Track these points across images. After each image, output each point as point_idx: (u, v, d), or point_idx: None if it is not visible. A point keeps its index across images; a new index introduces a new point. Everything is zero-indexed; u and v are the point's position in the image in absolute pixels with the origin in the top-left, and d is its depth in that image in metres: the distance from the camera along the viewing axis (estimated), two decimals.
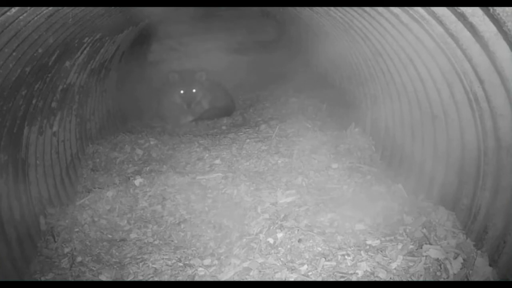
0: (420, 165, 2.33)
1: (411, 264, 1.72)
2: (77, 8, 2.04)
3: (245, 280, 1.80)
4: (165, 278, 1.95)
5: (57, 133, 2.75)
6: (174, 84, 4.57)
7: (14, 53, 1.82)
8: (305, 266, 1.79)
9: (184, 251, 2.18)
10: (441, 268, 1.68)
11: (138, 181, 2.72)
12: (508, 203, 1.60)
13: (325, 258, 1.81)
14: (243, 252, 1.99)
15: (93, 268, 2.07)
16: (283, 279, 1.75)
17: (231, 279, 1.84)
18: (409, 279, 1.67)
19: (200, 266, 2.00)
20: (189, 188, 2.65)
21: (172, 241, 2.31)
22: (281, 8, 3.71)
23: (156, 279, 1.95)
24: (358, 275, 1.70)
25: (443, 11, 1.50)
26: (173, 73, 4.63)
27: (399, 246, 1.81)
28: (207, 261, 2.04)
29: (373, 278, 1.67)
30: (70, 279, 2.01)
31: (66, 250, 2.23)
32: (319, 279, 1.72)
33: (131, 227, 2.43)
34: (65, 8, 1.93)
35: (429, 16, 1.61)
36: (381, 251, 1.81)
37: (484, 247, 1.68)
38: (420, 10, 1.63)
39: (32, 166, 2.44)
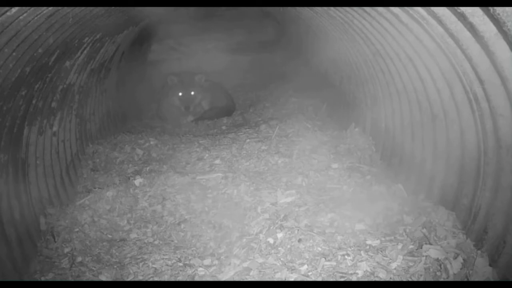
0: (420, 165, 2.33)
1: (411, 264, 1.72)
2: (77, 8, 2.04)
3: (245, 280, 1.80)
4: (165, 278, 1.95)
5: (57, 133, 2.75)
6: (173, 86, 4.58)
7: (14, 53, 1.82)
8: (305, 266, 1.79)
9: (184, 251, 2.18)
10: (441, 268, 1.68)
11: (138, 181, 2.72)
12: (508, 203, 1.60)
13: (325, 258, 1.81)
14: (243, 252, 1.99)
15: (93, 268, 2.07)
16: (283, 279, 1.75)
17: (231, 279, 1.84)
18: (409, 279, 1.67)
19: (200, 266, 2.00)
20: (189, 188, 2.65)
21: (172, 241, 2.31)
22: (281, 8, 3.72)
23: (156, 279, 1.95)
24: (358, 275, 1.70)
25: (443, 11, 1.50)
26: (172, 76, 4.63)
27: (399, 246, 1.81)
28: (207, 261, 2.04)
29: (373, 278, 1.67)
30: (70, 279, 2.01)
31: (66, 250, 2.23)
32: (319, 279, 1.72)
33: (131, 227, 2.43)
34: (65, 8, 1.93)
35: (429, 16, 1.61)
36: (381, 251, 1.81)
37: (484, 247, 1.68)
38: (420, 10, 1.63)
39: (32, 166, 2.44)
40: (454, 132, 1.98)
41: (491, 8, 1.21)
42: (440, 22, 1.56)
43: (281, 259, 1.87)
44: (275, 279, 1.76)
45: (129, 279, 1.98)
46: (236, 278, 1.83)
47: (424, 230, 1.90)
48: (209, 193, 2.62)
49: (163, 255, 2.12)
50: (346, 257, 1.80)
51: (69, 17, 2.05)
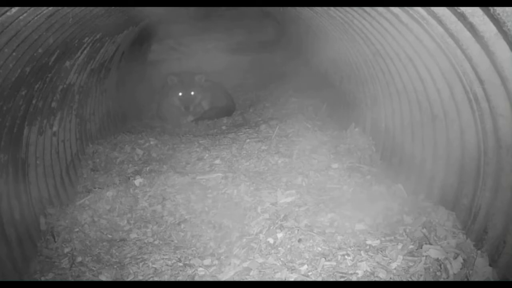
0: (420, 165, 2.33)
1: (411, 264, 1.73)
2: (77, 8, 2.04)
3: (245, 280, 1.80)
4: (165, 278, 1.95)
5: (57, 133, 2.75)
6: (173, 86, 4.59)
7: (14, 53, 1.82)
8: (305, 266, 1.79)
9: (184, 251, 2.18)
10: (441, 268, 1.68)
11: (138, 181, 2.72)
12: (508, 203, 1.60)
13: (325, 258, 1.81)
14: (243, 252, 1.99)
15: (93, 268, 2.07)
16: (283, 279, 1.75)
17: (231, 279, 1.84)
18: (409, 279, 1.66)
19: (200, 266, 2.00)
20: (189, 188, 2.65)
21: (172, 241, 2.31)
22: (281, 8, 3.72)
23: (156, 279, 1.95)
24: (358, 275, 1.70)
25: (443, 11, 1.50)
26: (172, 76, 4.64)
27: (399, 246, 1.81)
28: (207, 261, 2.04)
29: (373, 278, 1.67)
30: (70, 279, 2.01)
31: (66, 250, 2.23)
32: (319, 279, 1.72)
33: (131, 227, 2.43)
34: (65, 8, 1.93)
35: (429, 16, 1.61)
36: (381, 251, 1.81)
37: (484, 247, 1.68)
38: (420, 10, 1.63)
39: (32, 166, 2.44)
40: (454, 132, 1.98)
41: (491, 8, 1.21)
42: (440, 22, 1.56)
43: (281, 259, 1.87)
44: (275, 279, 1.76)
45: (129, 279, 1.98)
46: (236, 278, 1.83)
47: (424, 230, 1.90)
48: (209, 193, 2.62)
49: (163, 255, 2.12)
50: (346, 257, 1.80)
51: (69, 17, 2.05)
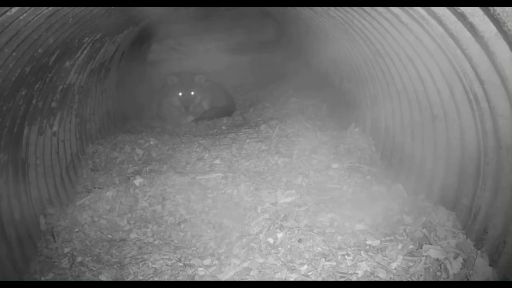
0: (420, 165, 2.33)
1: (411, 264, 1.73)
2: (77, 8, 2.04)
3: (245, 280, 1.80)
4: (165, 278, 1.95)
5: (57, 133, 2.75)
6: (173, 86, 4.59)
7: (14, 53, 1.82)
8: (305, 266, 1.79)
9: (184, 251, 2.18)
10: (441, 268, 1.68)
11: (138, 181, 2.72)
12: (508, 203, 1.60)
13: (325, 258, 1.81)
14: (243, 252, 1.99)
15: (93, 268, 2.07)
16: (283, 279, 1.75)
17: (231, 279, 1.84)
18: (409, 279, 1.67)
19: (200, 266, 2.00)
20: (189, 188, 2.65)
21: (172, 241, 2.31)
22: (281, 8, 3.72)
23: (156, 279, 1.95)
24: (358, 275, 1.70)
25: (443, 11, 1.50)
26: (172, 76, 4.64)
27: (399, 246, 1.81)
28: (207, 261, 2.04)
29: (373, 278, 1.67)
30: (70, 279, 2.01)
31: (66, 250, 2.23)
32: (319, 279, 1.72)
33: (131, 227, 2.44)
34: (65, 8, 1.93)
35: (429, 16, 1.61)
36: (381, 251, 1.81)
37: (484, 247, 1.68)
38: (420, 10, 1.63)
39: (32, 166, 2.44)
40: (454, 132, 1.98)
41: (491, 8, 1.21)
42: (440, 22, 1.56)
43: (281, 259, 1.87)
44: (275, 279, 1.76)
45: (129, 279, 1.98)
46: (236, 278, 1.83)
47: (424, 230, 1.90)
48: (209, 193, 2.62)
49: (163, 255, 2.12)
50: (346, 257, 1.80)
51: (69, 17, 2.05)
